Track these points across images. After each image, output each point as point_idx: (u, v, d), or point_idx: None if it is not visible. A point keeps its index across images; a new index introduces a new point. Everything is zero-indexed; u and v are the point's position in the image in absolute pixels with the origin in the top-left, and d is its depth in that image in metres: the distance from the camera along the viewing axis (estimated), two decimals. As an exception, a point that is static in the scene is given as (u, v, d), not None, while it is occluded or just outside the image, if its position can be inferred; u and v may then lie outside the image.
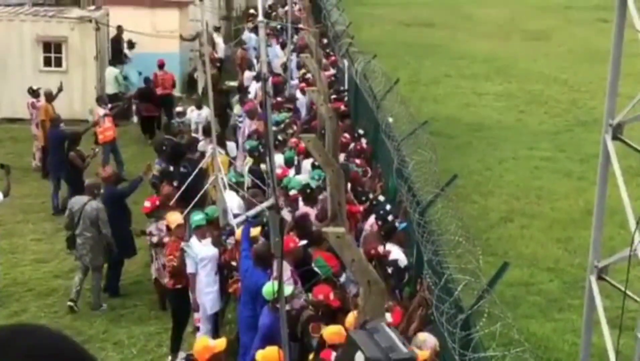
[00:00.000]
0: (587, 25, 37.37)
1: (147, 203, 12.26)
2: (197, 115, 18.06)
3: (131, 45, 22.66)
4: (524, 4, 43.32)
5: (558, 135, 21.58)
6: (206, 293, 10.70)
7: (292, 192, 11.59)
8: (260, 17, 7.02)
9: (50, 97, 18.31)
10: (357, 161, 13.16)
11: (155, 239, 12.07)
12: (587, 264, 7.49)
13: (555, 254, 14.27)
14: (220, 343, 8.20)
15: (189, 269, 10.69)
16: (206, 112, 17.76)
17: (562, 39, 34.74)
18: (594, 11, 39.59)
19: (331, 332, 7.78)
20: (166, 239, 11.92)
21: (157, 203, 12.23)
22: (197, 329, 11.11)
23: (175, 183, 12.67)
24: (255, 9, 33.08)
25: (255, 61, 22.87)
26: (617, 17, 6.80)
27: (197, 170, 12.97)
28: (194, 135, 16.29)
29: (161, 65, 21.46)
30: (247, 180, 13.20)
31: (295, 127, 15.27)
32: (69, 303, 12.43)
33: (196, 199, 11.82)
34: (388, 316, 7.46)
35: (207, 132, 15.64)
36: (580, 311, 9.39)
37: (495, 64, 29.67)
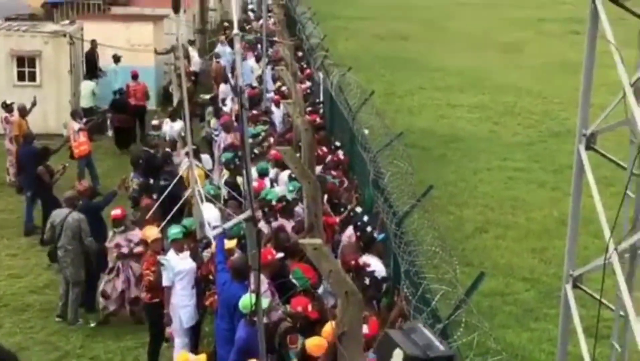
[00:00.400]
0: (559, 38, 37.77)
1: (118, 211, 12.23)
2: (170, 128, 18.05)
3: (117, 59, 22.62)
4: (497, 18, 43.71)
5: (531, 146, 21.76)
6: (182, 307, 10.66)
7: (274, 203, 11.62)
8: (236, 30, 7.02)
9: (23, 112, 18.21)
10: (334, 173, 13.20)
11: (125, 250, 12.03)
12: (562, 273, 7.55)
13: (531, 264, 14.38)
14: (201, 359, 8.18)
15: (165, 282, 10.65)
16: (179, 125, 17.79)
17: (535, 51, 35.07)
18: (566, 23, 40.05)
19: (313, 344, 7.79)
20: (136, 249, 11.91)
21: (125, 213, 12.27)
22: (167, 341, 11.08)
23: (155, 196, 12.66)
24: (230, 22, 33.16)
25: (230, 74, 22.89)
26: (589, 28, 6.88)
27: (176, 183, 12.94)
28: (167, 149, 16.26)
29: (135, 76, 21.48)
30: (224, 192, 13.20)
31: (272, 140, 15.29)
32: (57, 319, 12.42)
33: (172, 212, 11.80)
34: (365, 328, 7.48)
35: (174, 145, 15.76)
36: (556, 320, 9.47)
37: (469, 76, 29.89)
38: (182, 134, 17.71)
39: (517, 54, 34.41)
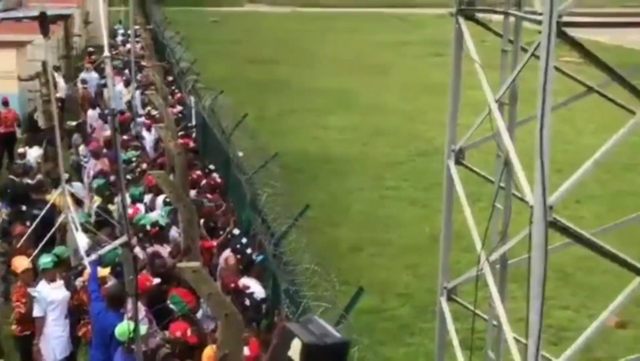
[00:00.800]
0: (423, 60, 38.98)
1: None
2: (28, 155, 17.56)
3: None
4: (363, 41, 44.73)
5: (401, 165, 22.29)
6: (55, 338, 10.35)
7: (148, 228, 11.44)
8: (106, 52, 6.92)
9: None
10: (209, 196, 13.14)
11: None
12: (436, 288, 7.76)
13: (405, 280, 14.67)
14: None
15: (37, 313, 10.30)
16: (37, 152, 17.36)
17: (401, 73, 36.05)
18: (430, 46, 41.36)
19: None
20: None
21: None
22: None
23: (27, 223, 12.24)
24: (96, 47, 32.55)
25: (98, 99, 22.44)
26: (454, 48, 7.15)
27: (48, 210, 12.53)
28: (27, 180, 15.76)
29: (5, 103, 20.87)
30: (94, 218, 12.92)
31: (144, 165, 15.08)
32: None
33: (44, 241, 11.45)
34: (246, 349, 7.47)
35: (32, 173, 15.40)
36: (431, 334, 9.69)
37: (339, 98, 30.39)
38: (39, 160, 17.29)
39: (384, 76, 35.27)
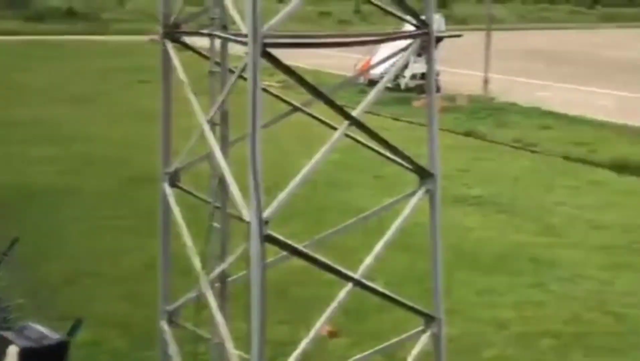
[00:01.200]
0: (128, 87, 38.70)
1: None
2: None
3: None
4: (63, 69, 43.61)
5: (113, 193, 21.90)
6: None
7: None
8: None
9: None
10: None
11: None
12: (155, 315, 7.71)
13: (123, 310, 14.40)
14: None
15: None
16: None
17: (106, 100, 35.55)
18: (134, 73, 41.11)
19: None
20: None
21: None
22: None
23: None
24: None
25: None
26: (163, 72, 7.19)
27: None
28: None
29: None
30: None
31: None
32: None
33: None
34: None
35: None
36: (154, 361, 9.60)
37: (42, 129, 29.34)
38: None
39: (88, 104, 34.61)
